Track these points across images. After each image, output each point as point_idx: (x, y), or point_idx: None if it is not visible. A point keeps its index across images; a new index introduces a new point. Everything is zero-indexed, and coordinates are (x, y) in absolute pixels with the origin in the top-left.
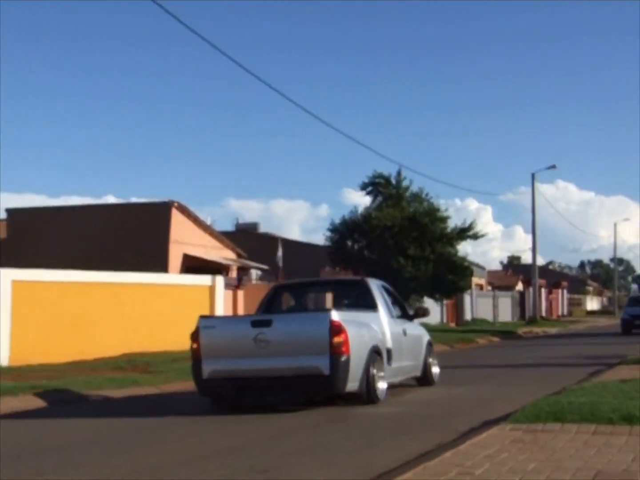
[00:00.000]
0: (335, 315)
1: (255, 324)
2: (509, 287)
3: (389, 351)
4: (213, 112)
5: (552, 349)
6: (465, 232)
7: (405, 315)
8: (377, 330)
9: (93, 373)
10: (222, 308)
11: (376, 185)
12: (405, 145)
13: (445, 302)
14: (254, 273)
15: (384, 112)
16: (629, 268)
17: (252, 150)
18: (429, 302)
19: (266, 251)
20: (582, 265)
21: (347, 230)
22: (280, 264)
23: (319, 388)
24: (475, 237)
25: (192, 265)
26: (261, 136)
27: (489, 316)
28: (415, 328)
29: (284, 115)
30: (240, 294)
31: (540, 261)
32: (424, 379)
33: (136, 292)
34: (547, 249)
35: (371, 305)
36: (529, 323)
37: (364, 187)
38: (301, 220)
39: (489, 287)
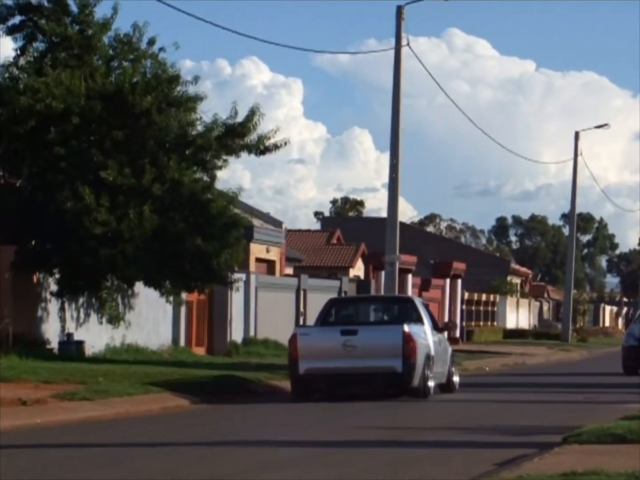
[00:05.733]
0: (406, 328)
1: (344, 332)
2: (335, 270)
3: (432, 358)
4: None
5: (425, 411)
6: (233, 135)
7: (436, 328)
8: (426, 339)
9: None
10: None
11: (31, 14)
12: None
13: (184, 299)
14: None
15: None
16: (604, 238)
17: None
18: (149, 298)
19: None
20: (500, 227)
21: None
22: None
23: (393, 383)
24: (259, 147)
25: None
26: None
27: (284, 334)
28: (443, 340)
29: None
30: None
31: (410, 214)
32: (447, 386)
33: None
34: (426, 186)
35: (418, 319)
36: None
37: (2, 17)
38: None
39: (290, 270)
